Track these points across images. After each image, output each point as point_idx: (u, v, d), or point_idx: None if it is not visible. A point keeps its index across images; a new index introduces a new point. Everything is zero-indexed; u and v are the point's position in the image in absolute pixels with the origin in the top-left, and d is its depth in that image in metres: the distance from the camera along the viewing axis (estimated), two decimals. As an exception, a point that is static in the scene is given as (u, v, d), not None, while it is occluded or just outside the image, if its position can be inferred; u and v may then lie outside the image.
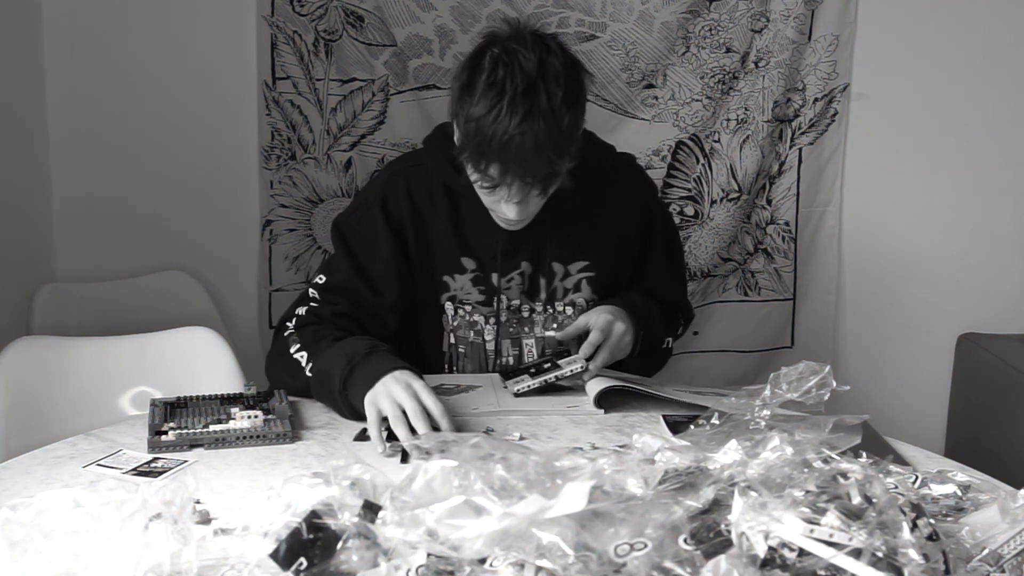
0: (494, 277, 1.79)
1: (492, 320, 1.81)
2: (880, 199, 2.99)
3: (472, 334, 1.82)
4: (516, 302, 1.80)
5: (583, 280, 1.81)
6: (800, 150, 2.93)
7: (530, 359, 1.83)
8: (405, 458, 1.41)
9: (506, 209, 1.65)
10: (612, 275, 1.84)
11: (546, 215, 1.73)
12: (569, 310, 1.81)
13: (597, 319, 1.71)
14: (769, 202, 2.96)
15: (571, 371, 1.68)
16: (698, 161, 2.90)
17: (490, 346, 1.82)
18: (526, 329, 1.82)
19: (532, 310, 1.81)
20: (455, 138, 1.64)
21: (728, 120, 2.89)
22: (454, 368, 1.85)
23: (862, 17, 2.86)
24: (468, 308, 1.81)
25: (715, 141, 2.89)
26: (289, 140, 2.76)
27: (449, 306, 1.81)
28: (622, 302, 1.80)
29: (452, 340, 1.83)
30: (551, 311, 1.82)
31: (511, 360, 1.83)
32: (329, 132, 2.77)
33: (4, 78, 2.46)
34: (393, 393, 1.48)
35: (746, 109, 2.87)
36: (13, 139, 2.52)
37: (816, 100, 2.90)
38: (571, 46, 2.74)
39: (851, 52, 2.88)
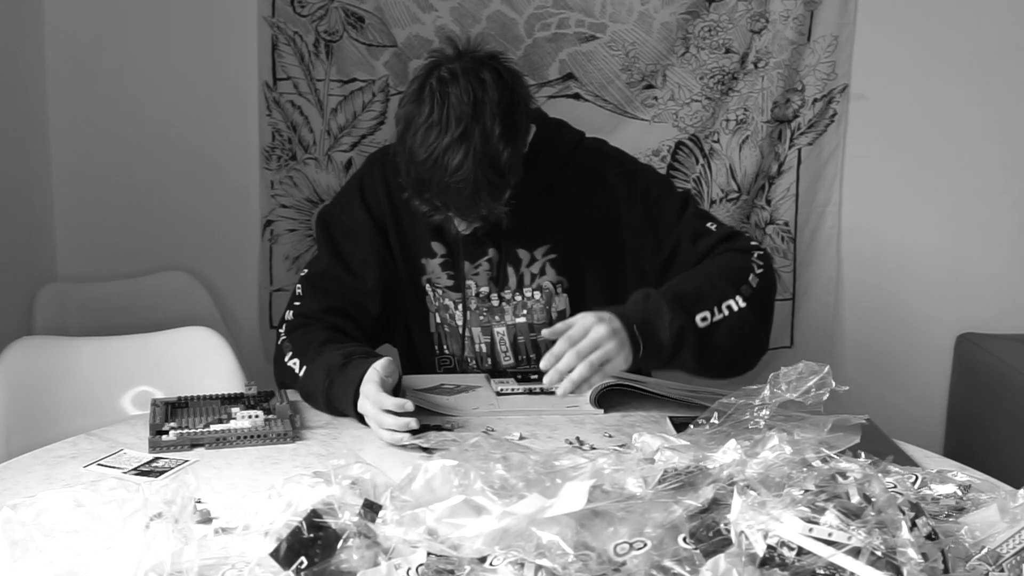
0: (465, 264, 1.80)
1: (460, 306, 1.82)
2: (879, 199, 2.99)
3: (448, 317, 1.84)
4: (485, 289, 1.81)
5: (547, 263, 1.80)
6: (799, 150, 2.93)
7: (502, 349, 1.83)
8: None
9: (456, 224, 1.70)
10: (575, 254, 1.79)
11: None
12: (537, 295, 1.80)
13: (577, 321, 1.52)
14: (768, 202, 2.96)
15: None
16: (697, 161, 2.90)
17: (461, 331, 1.84)
18: (496, 318, 1.82)
19: (501, 298, 1.81)
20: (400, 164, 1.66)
21: (727, 121, 2.89)
22: (444, 348, 1.87)
23: (861, 18, 2.86)
24: (440, 292, 1.83)
25: (714, 141, 2.89)
26: (290, 140, 2.77)
27: (429, 288, 1.83)
28: (623, 306, 1.59)
29: (438, 320, 1.85)
30: (520, 298, 1.81)
31: (483, 348, 1.84)
32: (330, 132, 2.78)
33: (5, 78, 2.47)
34: (362, 410, 1.52)
35: (745, 110, 2.88)
36: (14, 139, 2.53)
37: (815, 101, 2.90)
38: (571, 46, 2.80)
39: (850, 53, 2.88)
